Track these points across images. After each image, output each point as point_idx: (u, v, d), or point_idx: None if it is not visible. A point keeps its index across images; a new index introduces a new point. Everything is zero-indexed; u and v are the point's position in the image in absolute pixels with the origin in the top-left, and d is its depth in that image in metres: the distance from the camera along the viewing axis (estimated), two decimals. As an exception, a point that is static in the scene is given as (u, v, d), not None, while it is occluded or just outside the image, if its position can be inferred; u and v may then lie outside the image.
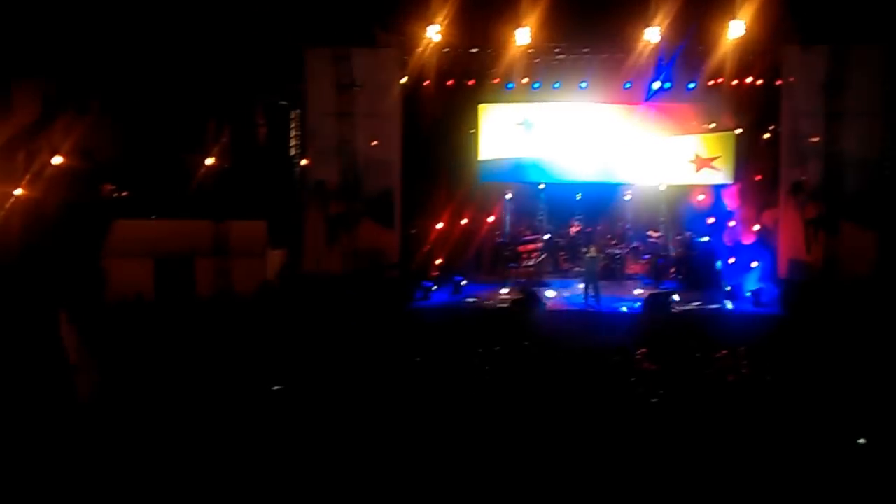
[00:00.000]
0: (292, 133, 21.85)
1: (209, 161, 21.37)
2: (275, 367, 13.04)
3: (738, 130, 21.56)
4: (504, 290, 20.92)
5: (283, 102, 21.96)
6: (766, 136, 21.36)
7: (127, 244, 22.16)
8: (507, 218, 23.38)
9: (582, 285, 20.37)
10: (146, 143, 23.24)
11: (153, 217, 22.45)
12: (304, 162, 21.05)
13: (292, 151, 21.86)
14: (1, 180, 21.19)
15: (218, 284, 20.90)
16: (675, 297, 19.83)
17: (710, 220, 22.22)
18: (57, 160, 22.63)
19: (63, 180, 22.78)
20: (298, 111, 21.36)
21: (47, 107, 23.23)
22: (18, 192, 21.69)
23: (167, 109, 22.30)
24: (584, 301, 19.99)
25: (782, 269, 19.76)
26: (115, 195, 23.66)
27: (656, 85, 21.16)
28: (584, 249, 21.13)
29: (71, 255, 21.56)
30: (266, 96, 22.42)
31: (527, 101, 21.86)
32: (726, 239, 21.93)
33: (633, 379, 13.28)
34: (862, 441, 9.00)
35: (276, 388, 11.07)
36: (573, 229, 23.09)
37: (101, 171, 23.10)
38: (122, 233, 22.48)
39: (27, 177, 22.77)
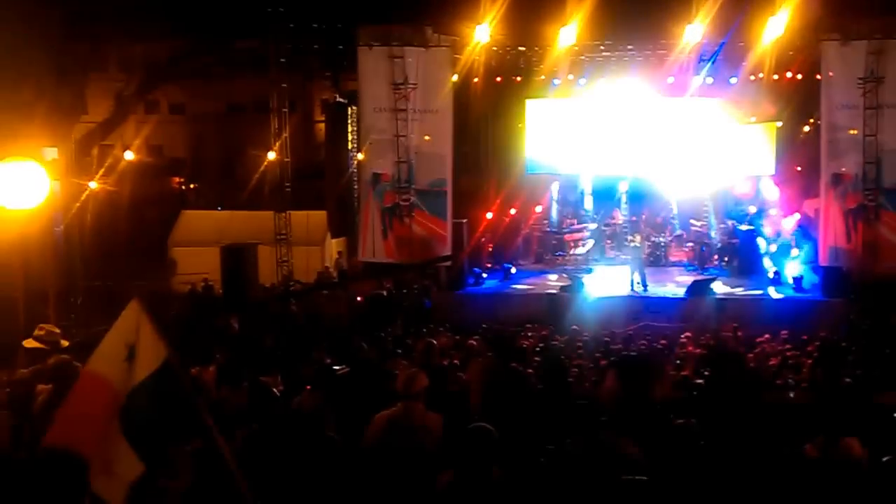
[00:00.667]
0: (350, 129, 22.48)
1: (272, 155, 21.98)
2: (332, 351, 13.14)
3: (779, 123, 21.69)
4: (552, 277, 21.32)
5: (342, 100, 22.56)
6: (807, 128, 21.57)
7: (195, 234, 23.24)
8: (554, 208, 23.71)
9: (627, 272, 20.61)
10: (212, 139, 23.75)
11: (219, 208, 23.10)
12: (360, 156, 21.52)
13: (350, 146, 22.50)
14: (76, 174, 21.53)
15: (280, 272, 21.55)
16: (718, 283, 20.01)
17: (752, 210, 22.36)
18: (128, 155, 23.34)
19: (134, 174, 23.51)
20: (355, 108, 21.74)
21: (119, 105, 23.98)
22: (93, 185, 22.33)
23: (232, 107, 22.85)
24: (630, 288, 20.23)
25: (823, 257, 19.76)
26: (183, 188, 24.40)
27: (698, 80, 21.30)
28: (629, 238, 21.37)
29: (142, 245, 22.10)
30: (324, 94, 22.70)
31: (572, 97, 22.18)
32: (768, 228, 22.06)
33: (677, 362, 13.24)
34: None
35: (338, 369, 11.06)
36: (617, 219, 23.35)
37: (170, 166, 23.83)
38: (190, 223, 23.57)
39: (100, 171, 23.70)
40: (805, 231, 21.33)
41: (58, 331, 8.45)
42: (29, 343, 8.05)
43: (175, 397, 4.32)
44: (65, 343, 8.27)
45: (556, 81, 21.73)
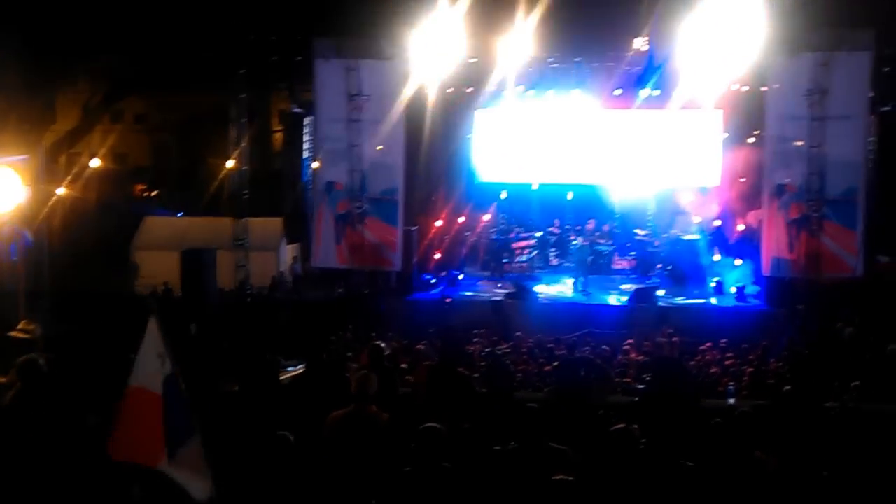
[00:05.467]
0: (305, 138, 21.13)
1: (230, 164, 20.73)
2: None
3: (725, 134, 20.12)
4: (498, 284, 19.90)
5: (298, 110, 21.21)
6: (751, 139, 20.02)
7: (156, 239, 21.71)
8: (502, 217, 22.18)
9: (571, 280, 19.31)
10: (174, 148, 21.85)
11: (180, 214, 21.58)
12: (315, 164, 20.21)
13: (305, 155, 21.22)
14: (45, 180, 20.20)
15: (237, 276, 19.99)
16: (661, 292, 18.68)
17: (696, 219, 20.83)
18: (94, 163, 21.69)
19: (100, 181, 21.80)
20: (311, 118, 20.34)
21: (86, 116, 22.21)
22: (60, 191, 21.21)
23: (193, 118, 21.07)
24: (573, 291, 18.98)
25: (766, 267, 18.30)
26: (145, 194, 22.48)
27: (645, 91, 19.78)
28: (573, 240, 20.29)
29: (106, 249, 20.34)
30: (282, 105, 20.87)
31: (521, 108, 20.50)
32: (711, 237, 20.54)
33: (619, 368, 12.40)
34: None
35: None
36: (561, 228, 21.70)
37: (133, 173, 21.97)
38: (152, 228, 22.08)
39: (68, 178, 22.20)
40: (748, 241, 19.86)
41: (33, 326, 9.14)
42: (16, 334, 8.82)
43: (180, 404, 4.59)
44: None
45: (506, 93, 20.06)
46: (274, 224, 21.17)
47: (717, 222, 20.63)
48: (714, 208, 20.62)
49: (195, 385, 8.71)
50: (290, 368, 10.82)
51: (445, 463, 5.37)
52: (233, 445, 5.89)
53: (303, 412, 7.19)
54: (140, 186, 22.29)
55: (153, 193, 22.30)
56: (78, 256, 20.53)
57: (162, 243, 20.94)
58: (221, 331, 15.30)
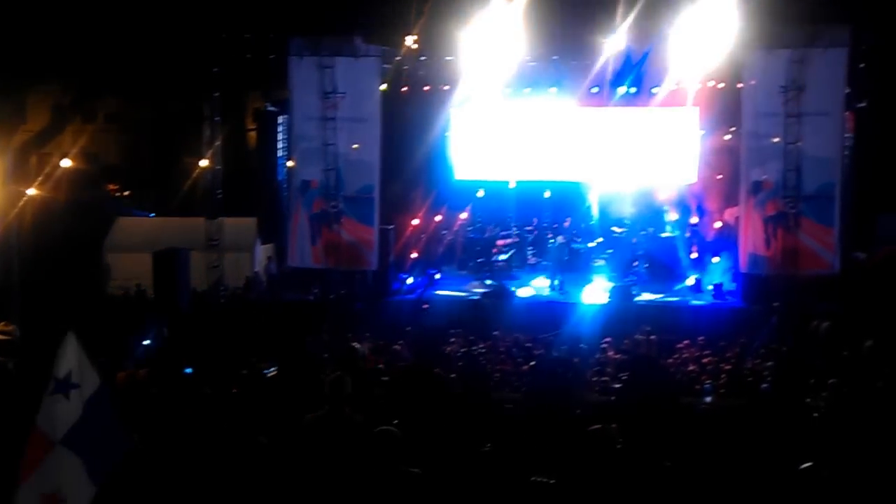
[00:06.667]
0: (280, 137, 20.71)
1: (204, 163, 20.22)
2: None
3: (702, 131, 20.08)
4: (475, 283, 19.72)
5: (272, 108, 20.88)
6: (728, 136, 20.06)
7: (128, 239, 21.37)
8: (479, 215, 21.94)
9: (549, 279, 19.19)
10: (146, 147, 21.56)
11: (152, 215, 21.26)
12: (290, 163, 19.97)
13: (280, 154, 20.77)
14: (15, 181, 20.24)
15: (210, 277, 19.68)
16: (639, 291, 18.63)
17: (673, 217, 20.86)
18: (65, 163, 21.42)
19: (70, 181, 21.50)
20: (286, 116, 20.13)
21: (57, 115, 21.96)
22: (31, 191, 20.68)
23: (165, 116, 20.79)
24: (550, 289, 18.91)
25: (743, 263, 18.37)
26: (117, 194, 22.23)
27: (622, 89, 19.77)
28: (551, 238, 20.28)
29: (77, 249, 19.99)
30: (256, 103, 20.63)
31: (498, 106, 20.40)
32: (689, 235, 20.51)
33: (597, 367, 12.23)
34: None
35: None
36: (538, 226, 21.68)
37: (104, 173, 21.72)
38: (123, 229, 21.77)
39: (39, 178, 22.14)
40: (725, 238, 19.87)
41: (12, 327, 9.27)
42: None
43: (108, 420, 4.47)
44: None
45: (483, 91, 19.89)
46: (248, 224, 20.81)
47: (695, 219, 20.59)
48: (691, 205, 20.56)
49: (168, 388, 8.70)
50: (264, 371, 10.70)
51: (403, 466, 5.28)
52: (210, 448, 5.81)
53: (277, 414, 7.10)
54: (112, 186, 22.09)
55: (125, 193, 22.09)
56: (49, 257, 20.27)
57: (134, 244, 20.59)
58: (195, 333, 15.26)
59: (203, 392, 8.50)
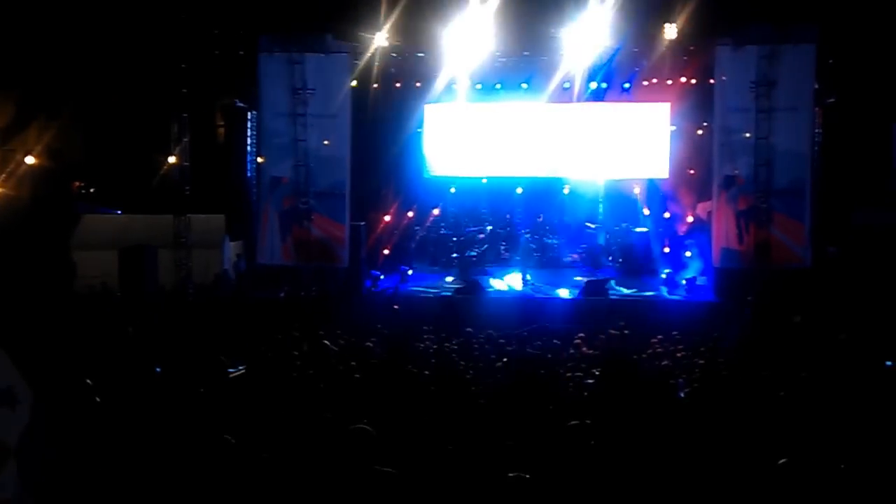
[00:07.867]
0: (249, 133, 20.53)
1: (171, 159, 19.92)
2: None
3: (673, 127, 20.30)
4: (448, 280, 19.59)
5: (241, 104, 20.69)
6: (700, 132, 20.31)
7: (94, 237, 20.80)
8: (452, 211, 21.88)
9: (520, 272, 19.07)
10: (112, 143, 21.26)
11: (119, 212, 20.97)
12: (259, 160, 19.75)
13: (249, 150, 20.58)
14: None
15: (178, 274, 19.48)
16: (612, 284, 18.56)
17: (646, 212, 20.96)
18: (29, 160, 21.04)
19: (35, 178, 21.09)
20: (255, 112, 19.98)
21: (21, 112, 21.55)
22: None
23: (131, 113, 20.50)
24: (522, 285, 18.74)
25: (716, 258, 18.35)
26: (82, 191, 21.89)
27: (594, 85, 20.00)
28: (524, 234, 20.28)
29: (42, 247, 19.59)
30: (225, 99, 20.37)
31: (470, 101, 20.54)
32: (661, 230, 20.62)
33: (570, 363, 11.87)
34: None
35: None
36: (511, 222, 21.64)
37: (69, 170, 21.42)
38: (89, 226, 21.21)
39: (2, 175, 21.86)
40: (697, 233, 19.94)
41: None
42: None
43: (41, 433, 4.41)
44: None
45: (455, 87, 20.17)
46: (216, 221, 20.44)
47: (667, 214, 20.74)
48: (664, 201, 20.74)
49: (136, 386, 8.54)
50: (231, 370, 10.58)
51: (377, 465, 5.19)
52: (178, 449, 5.68)
53: (246, 413, 6.93)
54: (77, 183, 21.73)
55: (91, 190, 21.76)
56: (13, 255, 19.88)
57: (101, 241, 20.10)
58: (162, 331, 15.02)
59: (171, 390, 8.33)
